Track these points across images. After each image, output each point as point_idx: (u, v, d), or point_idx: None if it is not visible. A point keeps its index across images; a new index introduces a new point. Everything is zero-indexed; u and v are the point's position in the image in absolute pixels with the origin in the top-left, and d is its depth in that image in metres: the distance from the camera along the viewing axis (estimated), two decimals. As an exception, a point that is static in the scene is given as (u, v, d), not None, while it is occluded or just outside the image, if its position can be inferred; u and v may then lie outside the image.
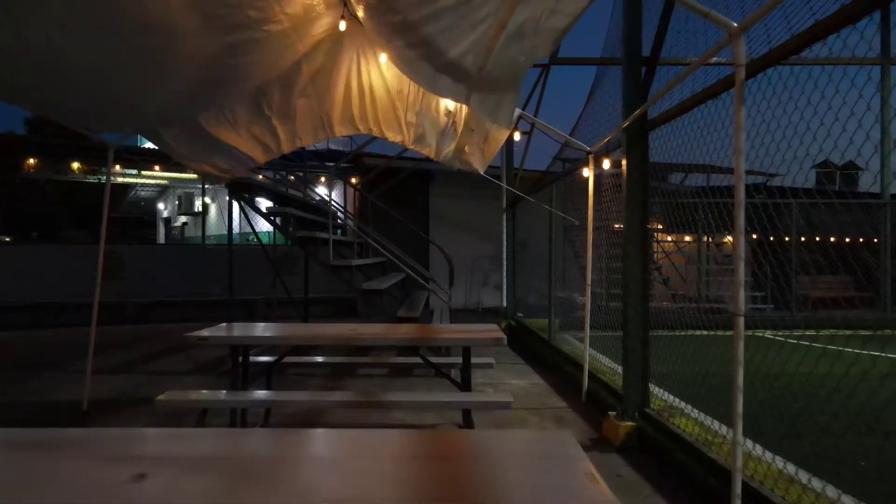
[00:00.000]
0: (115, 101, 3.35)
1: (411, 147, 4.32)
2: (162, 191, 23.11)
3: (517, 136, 4.19)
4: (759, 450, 2.67)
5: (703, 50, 3.17)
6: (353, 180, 10.29)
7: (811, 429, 3.60)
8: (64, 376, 5.22)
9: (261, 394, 3.03)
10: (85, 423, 3.79)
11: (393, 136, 4.38)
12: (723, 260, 12.02)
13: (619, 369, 5.16)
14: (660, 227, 11.44)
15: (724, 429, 3.13)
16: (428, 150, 4.34)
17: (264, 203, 7.15)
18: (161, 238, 24.71)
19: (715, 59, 2.42)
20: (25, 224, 12.91)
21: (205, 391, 3.00)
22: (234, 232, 12.84)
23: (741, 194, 2.09)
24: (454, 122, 4.04)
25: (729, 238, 12.66)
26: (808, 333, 6.59)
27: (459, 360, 3.43)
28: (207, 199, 16.30)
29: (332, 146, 13.15)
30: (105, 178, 4.10)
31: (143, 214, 26.44)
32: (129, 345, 7.18)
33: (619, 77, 6.30)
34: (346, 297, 10.08)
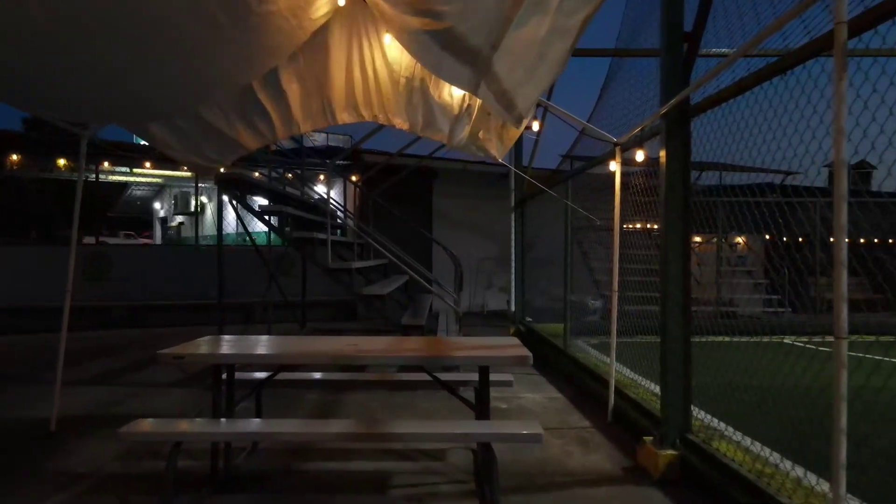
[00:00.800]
0: (91, 90, 2.93)
1: (421, 134, 3.90)
2: (158, 190, 22.69)
3: (535, 126, 3.75)
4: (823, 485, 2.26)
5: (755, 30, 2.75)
6: (354, 178, 9.86)
7: (872, 457, 3.18)
8: (36, 389, 4.78)
9: (245, 424, 2.60)
10: (50, 446, 3.36)
11: (400, 123, 3.96)
12: (736, 261, 11.61)
13: (644, 381, 4.75)
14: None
15: (769, 453, 2.72)
16: (439, 136, 3.91)
17: (260, 202, 6.73)
18: (158, 238, 24.32)
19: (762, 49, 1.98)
20: (5, 223, 12.46)
21: (179, 421, 2.56)
22: (230, 232, 12.40)
23: (843, 186, 1.66)
24: (468, 104, 3.61)
25: (739, 239, 12.22)
26: (829, 339, 6.17)
27: (473, 375, 3.00)
28: (204, 199, 15.89)
29: (332, 143, 12.73)
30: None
31: (140, 214, 26.05)
32: (114, 351, 6.74)
33: (637, 69, 5.91)
34: (346, 300, 9.65)
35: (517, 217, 8.03)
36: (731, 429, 3.25)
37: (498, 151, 3.90)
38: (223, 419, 2.61)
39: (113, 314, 8.75)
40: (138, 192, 22.59)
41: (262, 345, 2.87)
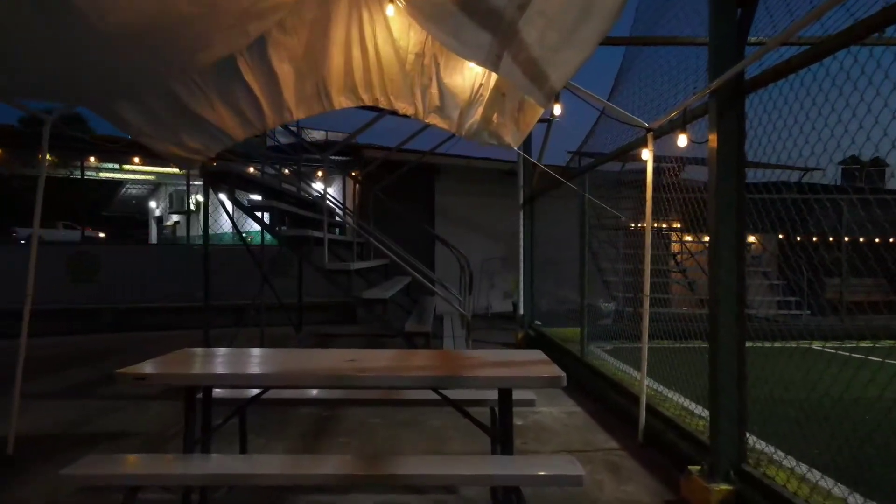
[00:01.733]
0: (53, 66, 2.51)
1: (426, 121, 3.47)
2: (154, 188, 22.24)
3: (557, 110, 3.31)
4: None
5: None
6: (354, 174, 9.42)
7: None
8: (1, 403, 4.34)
9: (219, 462, 2.16)
10: (4, 473, 2.92)
11: (404, 108, 3.53)
12: (750, 262, 11.17)
13: (670, 394, 4.32)
14: (677, 225, 10.59)
15: (833, 484, 2.30)
16: (447, 124, 3.49)
17: (258, 199, 6.28)
18: (154, 238, 23.86)
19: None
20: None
21: (139, 457, 2.12)
22: (227, 231, 11.95)
23: None
24: (482, 84, 3.18)
25: (753, 238, 11.81)
26: (862, 345, 5.75)
27: (490, 393, 2.58)
28: (200, 197, 15.43)
29: (332, 140, 12.28)
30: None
31: (136, 213, 25.59)
32: (96, 358, 6.31)
33: (657, 59, 5.48)
34: (346, 302, 9.21)
35: (526, 215, 7.60)
36: (780, 452, 2.84)
37: (513, 139, 3.47)
38: (195, 454, 2.17)
39: (100, 317, 8.31)
40: (134, 191, 22.15)
41: (245, 362, 2.44)
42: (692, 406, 3.82)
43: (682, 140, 2.88)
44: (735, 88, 2.56)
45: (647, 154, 3.36)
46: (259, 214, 4.83)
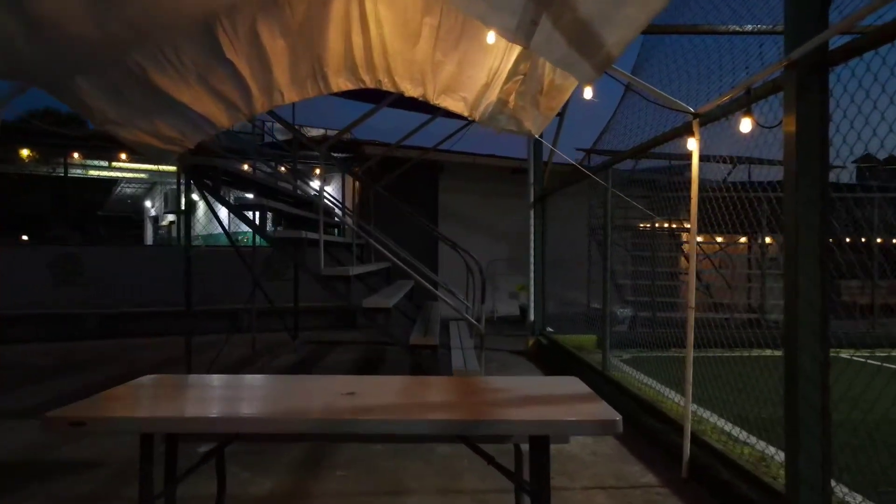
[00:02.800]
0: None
1: (436, 102, 3.01)
2: (150, 188, 21.74)
3: (588, 93, 2.84)
4: None
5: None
6: (354, 170, 8.95)
7: None
8: (-41, 425, 3.88)
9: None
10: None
11: (411, 90, 3.07)
12: (769, 264, 10.71)
13: (703, 413, 3.86)
14: (686, 225, 10.10)
15: None
16: (460, 107, 3.03)
17: (248, 196, 5.82)
18: (149, 238, 23.34)
19: None
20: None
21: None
22: (221, 232, 11.45)
23: None
24: (501, 60, 2.72)
25: (769, 239, 11.33)
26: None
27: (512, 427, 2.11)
28: (195, 196, 14.93)
29: (333, 131, 11.79)
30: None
31: (131, 213, 25.06)
32: (77, 367, 5.84)
33: (680, 48, 5.02)
34: (345, 306, 8.74)
35: (537, 214, 7.13)
36: (857, 496, 2.39)
37: (534, 125, 3.01)
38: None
39: (85, 323, 7.84)
40: (129, 190, 21.64)
41: (218, 396, 1.97)
42: (726, 425, 3.40)
43: (746, 125, 2.41)
44: (818, 61, 2.10)
45: (692, 144, 2.89)
46: (250, 215, 4.37)
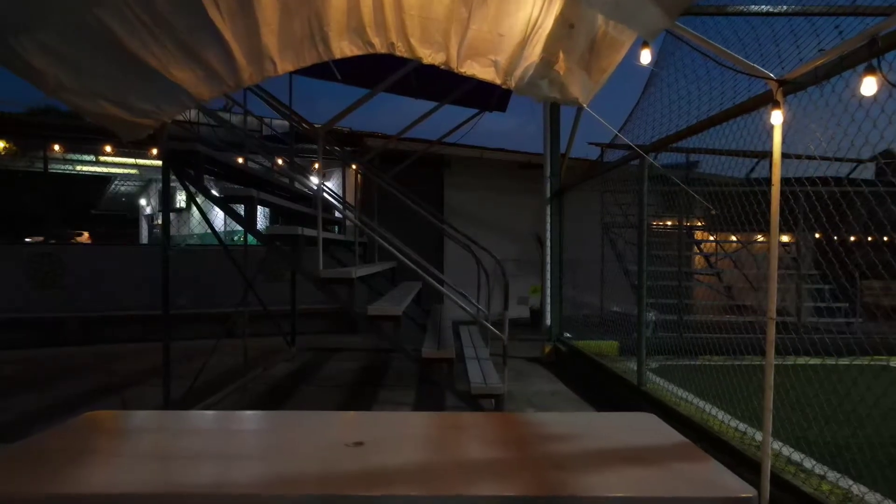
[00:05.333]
0: None
1: (460, 70, 2.47)
2: (145, 185, 21.17)
3: (646, 57, 2.29)
4: None
5: None
6: (354, 167, 8.40)
7: None
8: None
9: None
10: None
11: (430, 56, 2.53)
12: (790, 263, 10.18)
13: (758, 434, 3.34)
14: (700, 223, 9.56)
15: None
16: (489, 73, 2.49)
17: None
18: (144, 237, 22.77)
19: None
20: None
21: None
22: (219, 230, 10.94)
23: None
24: (541, 13, 2.18)
25: (785, 237, 10.78)
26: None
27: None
28: (191, 191, 14.34)
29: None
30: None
31: (126, 212, 24.48)
32: (51, 378, 5.29)
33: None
34: (346, 313, 8.19)
35: (554, 210, 6.58)
36: None
37: (582, 91, 2.47)
38: None
39: (65, 328, 7.28)
40: (122, 188, 21.08)
41: (174, 448, 1.42)
42: (786, 451, 2.91)
43: (869, 85, 1.87)
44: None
45: (776, 117, 2.35)
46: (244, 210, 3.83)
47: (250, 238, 5.85)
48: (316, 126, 3.57)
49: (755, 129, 2.89)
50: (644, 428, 1.67)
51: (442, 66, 2.54)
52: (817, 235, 10.32)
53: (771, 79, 2.39)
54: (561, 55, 2.33)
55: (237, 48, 2.63)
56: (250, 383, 4.97)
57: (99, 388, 4.93)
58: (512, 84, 2.46)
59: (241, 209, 3.74)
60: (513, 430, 1.65)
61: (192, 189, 3.46)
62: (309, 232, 3.63)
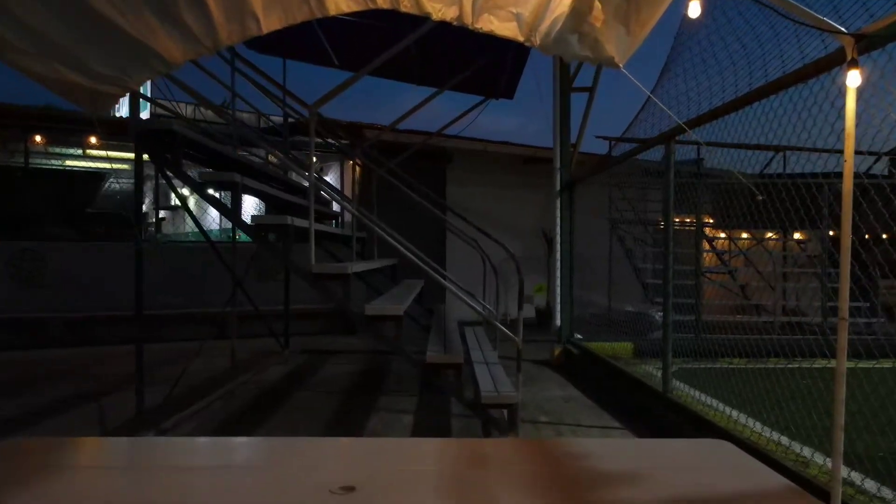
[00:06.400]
0: None
1: (476, 27, 2.09)
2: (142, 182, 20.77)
3: (694, 9, 1.92)
4: None
5: None
6: (353, 161, 8.03)
7: None
8: None
9: None
10: None
11: (440, 11, 2.16)
12: (806, 261, 9.81)
13: (807, 451, 2.98)
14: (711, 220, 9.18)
15: None
16: (510, 29, 2.11)
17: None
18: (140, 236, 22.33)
19: None
20: None
21: None
22: (212, 228, 10.56)
23: None
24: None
25: (799, 234, 10.39)
26: None
27: None
28: (185, 190, 13.93)
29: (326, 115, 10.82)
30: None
31: (122, 210, 24.07)
32: (25, 384, 4.91)
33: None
34: (342, 312, 7.80)
35: (564, 204, 6.21)
36: None
37: (618, 49, 2.09)
38: None
39: (48, 329, 6.90)
40: (116, 186, 20.63)
41: (106, 497, 1.04)
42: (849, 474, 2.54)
43: None
44: None
45: (852, 78, 1.98)
46: (210, 192, 3.45)
47: (243, 235, 5.47)
48: (308, 105, 3.20)
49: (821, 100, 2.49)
50: (719, 458, 1.29)
51: (454, 23, 2.16)
52: (831, 233, 9.96)
53: (844, 34, 2.02)
54: (596, 4, 1.95)
55: (215, 3, 2.26)
56: (238, 388, 4.60)
57: (71, 395, 4.55)
58: (537, 41, 2.09)
59: (231, 199, 3.36)
60: (555, 463, 1.27)
61: (169, 174, 3.08)
62: (300, 222, 3.26)
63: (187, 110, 9.36)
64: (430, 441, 1.43)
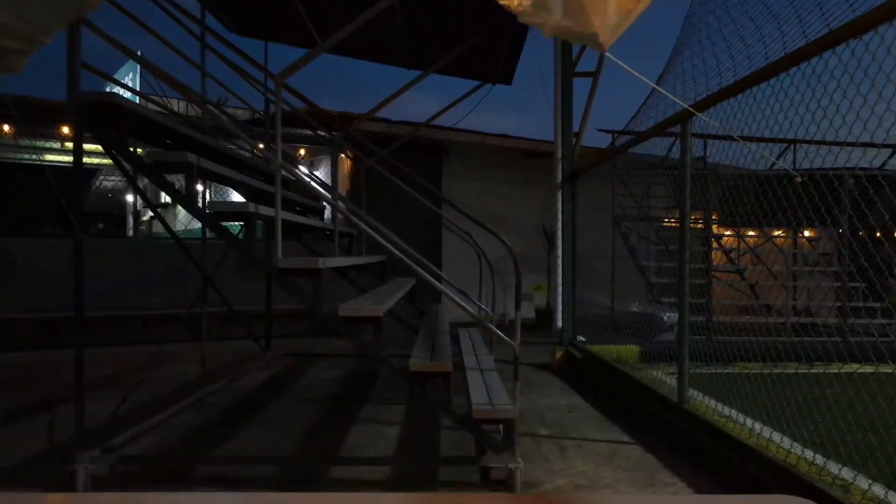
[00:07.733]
0: None
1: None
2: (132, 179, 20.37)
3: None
4: None
5: None
6: (343, 155, 7.62)
7: None
8: None
9: None
10: None
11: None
12: (819, 260, 9.39)
13: (845, 472, 2.57)
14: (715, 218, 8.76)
15: None
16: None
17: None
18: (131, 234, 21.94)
19: None
20: None
21: None
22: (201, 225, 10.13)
23: None
24: None
25: (809, 232, 9.96)
26: None
27: None
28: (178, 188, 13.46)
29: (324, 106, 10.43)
30: None
31: (112, 208, 23.63)
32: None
33: None
34: (313, 314, 7.38)
35: (566, 197, 5.80)
36: None
37: (603, 28, 1.68)
38: None
39: (16, 331, 6.49)
40: (107, 183, 20.24)
41: None
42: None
43: None
44: None
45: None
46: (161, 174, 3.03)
47: (239, 231, 5.06)
48: (274, 75, 2.80)
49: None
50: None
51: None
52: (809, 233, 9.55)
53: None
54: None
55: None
56: (211, 396, 4.18)
57: (28, 403, 4.15)
58: (520, 7, 1.66)
59: (186, 183, 2.95)
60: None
61: (114, 153, 2.67)
62: (265, 210, 2.85)
63: (179, 106, 8.92)
64: (409, 497, 1.02)
